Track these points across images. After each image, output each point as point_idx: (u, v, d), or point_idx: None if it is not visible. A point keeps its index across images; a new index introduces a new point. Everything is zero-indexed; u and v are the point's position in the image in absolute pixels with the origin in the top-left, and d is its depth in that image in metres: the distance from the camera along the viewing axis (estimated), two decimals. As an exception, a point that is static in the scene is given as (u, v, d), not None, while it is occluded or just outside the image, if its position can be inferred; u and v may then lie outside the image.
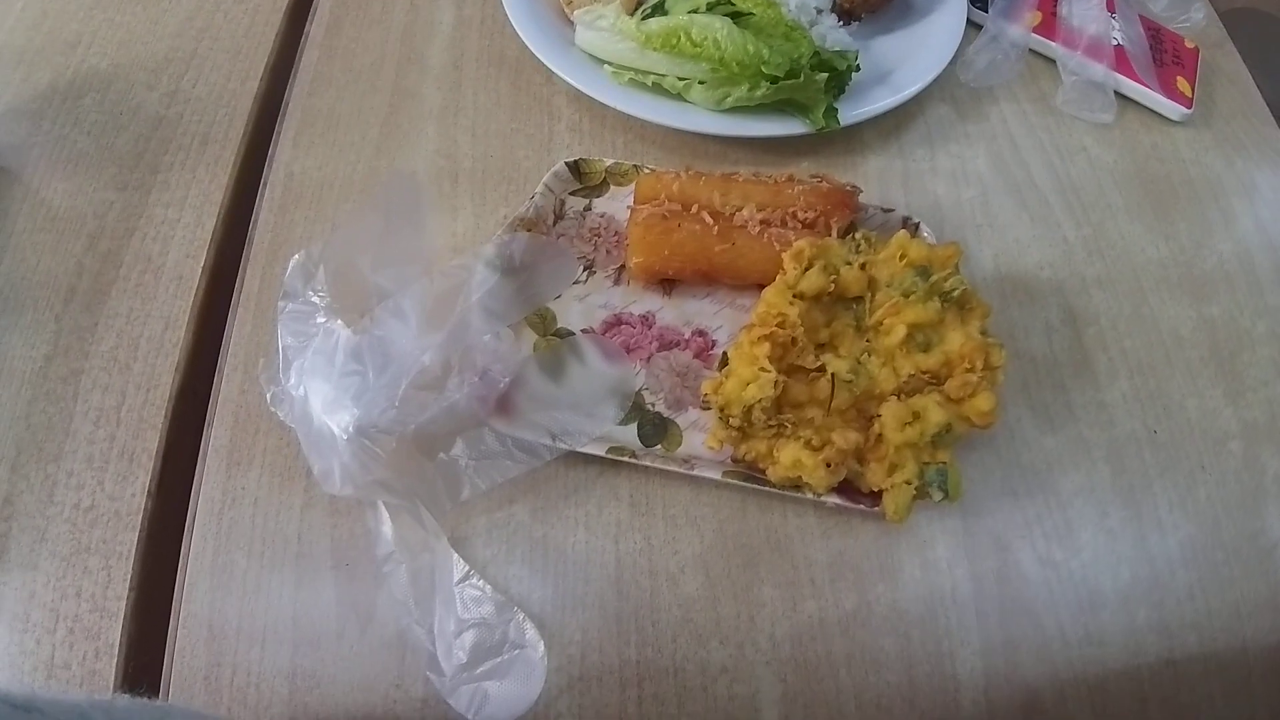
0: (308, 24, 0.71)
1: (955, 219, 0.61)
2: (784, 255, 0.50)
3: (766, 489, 0.49)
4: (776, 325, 0.48)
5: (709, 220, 0.52)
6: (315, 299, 0.50)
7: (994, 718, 0.47)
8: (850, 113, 0.59)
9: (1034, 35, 0.70)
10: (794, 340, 0.49)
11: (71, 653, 0.47)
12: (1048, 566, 0.50)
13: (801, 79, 0.55)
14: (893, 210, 0.57)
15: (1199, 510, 0.53)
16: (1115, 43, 0.69)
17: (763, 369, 0.47)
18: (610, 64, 0.61)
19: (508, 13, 0.65)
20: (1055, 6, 0.71)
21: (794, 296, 0.49)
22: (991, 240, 0.61)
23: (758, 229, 0.52)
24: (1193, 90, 0.67)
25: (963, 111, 0.67)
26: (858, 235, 0.51)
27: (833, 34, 0.65)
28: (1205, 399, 0.56)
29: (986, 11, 0.70)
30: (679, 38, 0.57)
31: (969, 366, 0.49)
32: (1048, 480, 0.53)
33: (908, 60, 0.64)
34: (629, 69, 0.60)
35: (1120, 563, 0.51)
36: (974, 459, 0.53)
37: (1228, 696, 0.49)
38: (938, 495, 0.48)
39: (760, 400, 0.47)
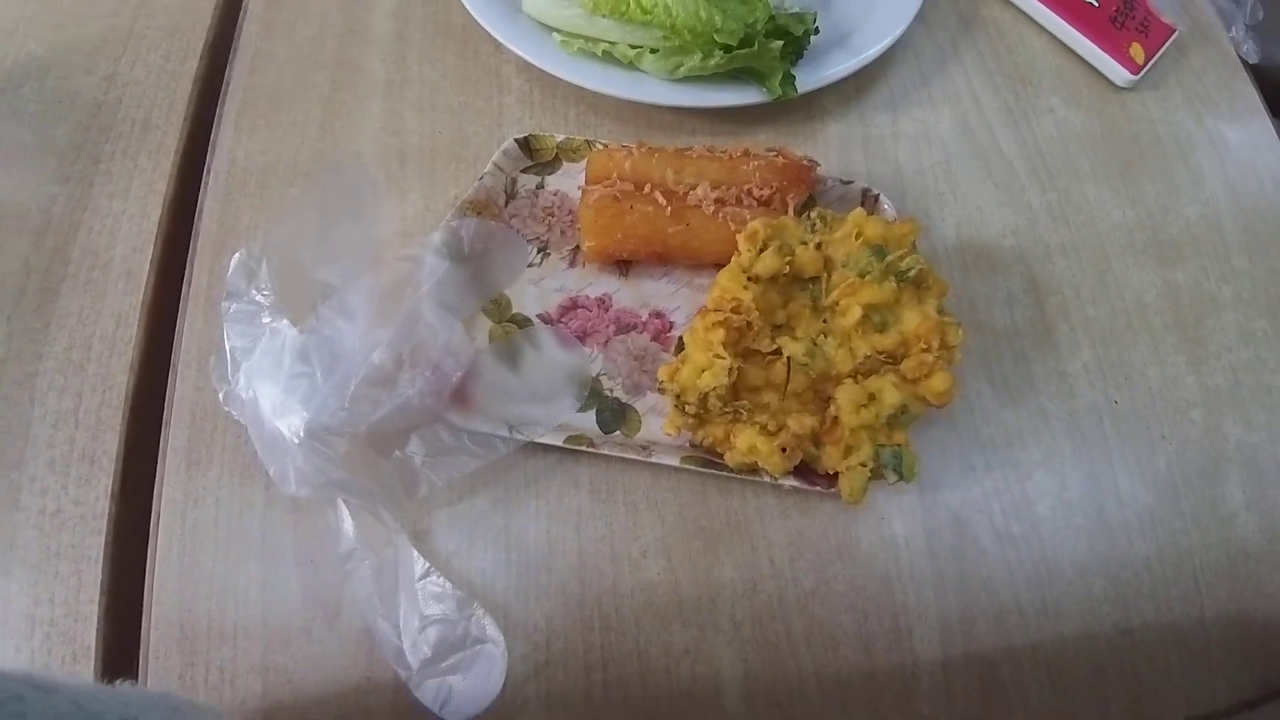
0: (244, -3, 0.68)
1: (917, 187, 0.60)
2: (739, 236, 0.49)
3: (724, 474, 0.49)
4: (731, 310, 0.48)
5: (661, 201, 0.51)
6: (260, 298, 0.49)
7: (951, 691, 0.48)
8: (808, 79, 0.58)
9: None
10: (749, 324, 0.48)
11: (50, 657, 0.47)
12: (1005, 541, 0.51)
13: (756, 47, 0.53)
14: (851, 182, 0.56)
15: (1158, 480, 0.53)
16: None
17: (718, 355, 0.47)
18: (559, 31, 0.59)
19: (453, -21, 0.62)
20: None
21: (749, 279, 0.48)
22: (954, 209, 0.60)
23: (712, 208, 0.51)
24: (1146, 58, 0.65)
25: (926, 73, 0.65)
26: (813, 214, 0.50)
27: (792, -5, 0.63)
28: (1167, 367, 0.57)
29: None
30: (628, 4, 0.55)
31: (925, 346, 0.49)
32: (1007, 454, 0.53)
33: (869, 18, 0.62)
34: (578, 37, 0.58)
35: (1078, 535, 0.52)
36: (932, 435, 0.53)
37: (1185, 664, 0.50)
38: (893, 477, 0.48)
39: (715, 388, 0.47)
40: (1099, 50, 0.66)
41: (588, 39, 0.57)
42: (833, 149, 0.61)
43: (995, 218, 0.60)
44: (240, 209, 0.59)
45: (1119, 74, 0.66)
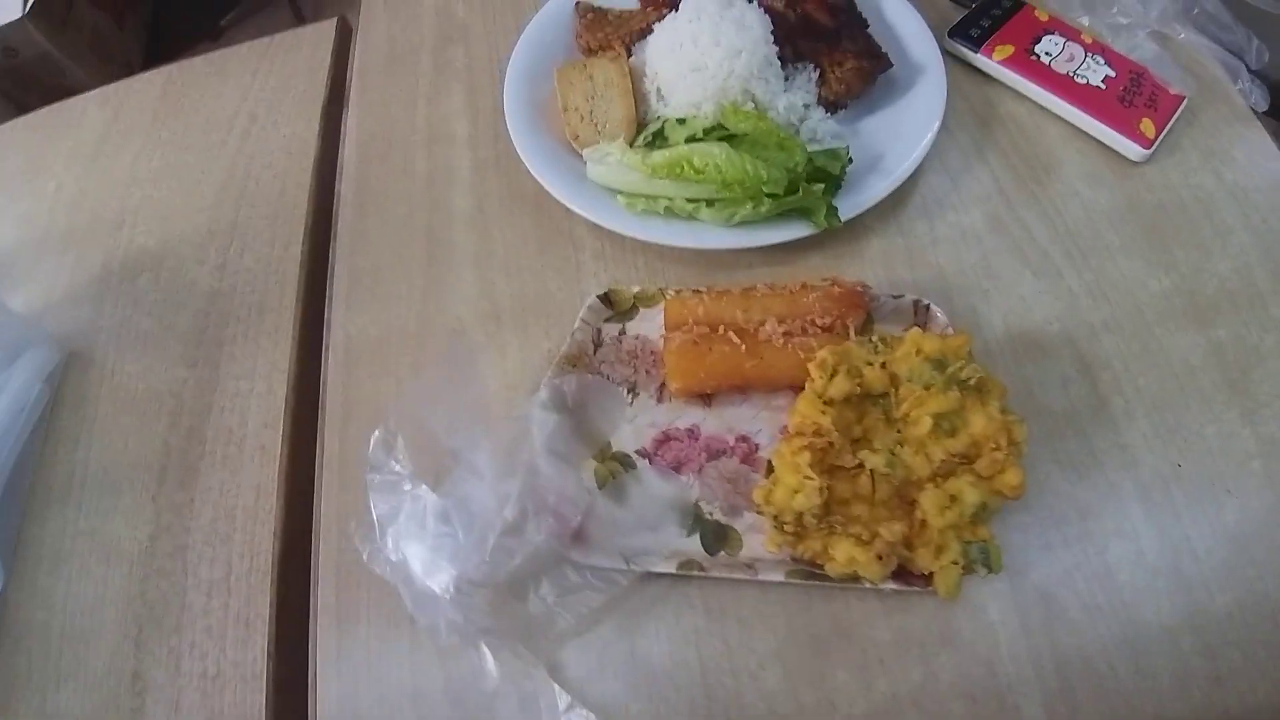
0: (337, 183, 0.77)
1: (961, 286, 0.65)
2: (809, 365, 0.55)
3: (828, 584, 0.54)
4: (813, 434, 0.53)
5: (736, 340, 0.57)
6: (398, 468, 0.55)
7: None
8: (849, 206, 0.64)
9: (1003, 68, 0.74)
10: (830, 444, 0.53)
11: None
12: (1092, 610, 0.53)
13: (800, 193, 0.60)
14: (902, 296, 0.61)
15: (1229, 533, 0.55)
16: (1084, 81, 0.72)
17: (807, 477, 0.52)
18: (622, 193, 0.66)
19: (521, 156, 0.70)
20: (1029, 43, 0.74)
21: (824, 403, 0.54)
22: (998, 302, 0.64)
23: (782, 341, 0.56)
24: (1157, 131, 0.69)
25: (954, 177, 0.70)
26: (874, 338, 0.55)
27: (822, 126, 0.69)
28: (1223, 423, 0.59)
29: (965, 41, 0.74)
30: (682, 166, 0.62)
31: (994, 446, 0.53)
32: (1082, 529, 0.56)
33: (897, 138, 0.68)
34: (639, 196, 0.65)
35: (1160, 595, 0.54)
36: (1012, 521, 0.56)
37: (1274, 703, 0.52)
38: (983, 571, 0.53)
39: (810, 508, 0.52)
40: (1111, 131, 0.70)
41: (649, 197, 0.64)
42: (878, 263, 0.66)
43: (1038, 305, 0.64)
44: (361, 379, 0.66)
45: (1133, 150, 0.70)
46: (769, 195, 0.60)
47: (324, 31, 0.89)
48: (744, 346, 0.57)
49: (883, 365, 0.55)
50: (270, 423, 0.66)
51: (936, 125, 0.68)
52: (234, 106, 0.85)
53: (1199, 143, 0.71)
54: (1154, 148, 0.70)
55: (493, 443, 0.55)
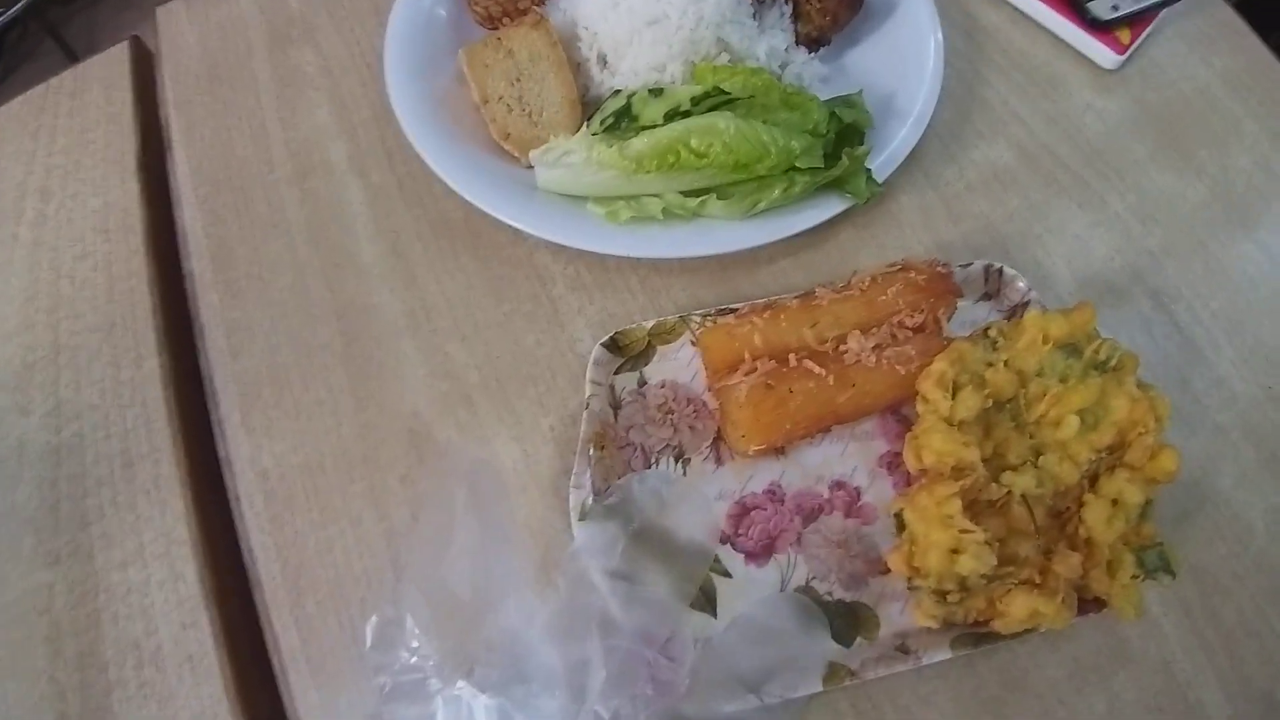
0: (185, 260, 0.55)
1: (1014, 236, 0.55)
2: (921, 382, 0.42)
3: (1001, 642, 0.42)
4: (953, 471, 0.40)
5: (819, 370, 0.42)
6: (415, 660, 0.38)
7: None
8: (879, 163, 0.50)
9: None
10: (975, 479, 0.41)
11: None
12: (1239, 574, 0.47)
13: (845, 162, 0.45)
14: (970, 264, 0.50)
15: None
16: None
17: (965, 531, 0.40)
18: (595, 201, 0.49)
19: (438, 172, 0.51)
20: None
21: (957, 428, 0.41)
22: (1056, 247, 0.55)
23: (873, 359, 0.43)
24: (1132, 39, 0.61)
25: (965, 109, 0.59)
26: (991, 330, 0.43)
27: (807, 69, 0.55)
28: None
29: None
30: (678, 153, 0.46)
31: (1142, 429, 0.43)
32: (1204, 485, 0.49)
33: (895, 70, 0.55)
34: (622, 199, 0.48)
35: None
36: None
37: None
38: (1165, 579, 0.43)
39: (981, 571, 0.39)
40: (1082, 33, 0.62)
41: (634, 200, 0.48)
42: (918, 225, 0.54)
43: (1096, 241, 0.55)
44: (300, 531, 0.47)
45: (1105, 56, 0.62)
46: (802, 171, 0.46)
47: (115, 60, 0.63)
48: (831, 377, 0.42)
49: (1006, 364, 0.43)
50: (189, 621, 0.46)
51: (937, 46, 0.56)
52: (16, 183, 0.59)
53: (1179, 30, 0.64)
54: (1127, 55, 0.61)
55: (549, 613, 0.38)
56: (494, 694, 0.36)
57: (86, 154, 0.59)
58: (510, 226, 0.50)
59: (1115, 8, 0.60)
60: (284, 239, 0.55)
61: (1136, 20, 0.61)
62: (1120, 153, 0.58)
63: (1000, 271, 0.50)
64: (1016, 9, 0.63)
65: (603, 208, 0.49)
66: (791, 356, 0.43)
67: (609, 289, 0.51)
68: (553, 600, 0.39)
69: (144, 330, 0.53)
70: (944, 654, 0.42)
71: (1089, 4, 0.61)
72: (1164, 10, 0.61)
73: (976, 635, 0.42)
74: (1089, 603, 0.43)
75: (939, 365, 0.41)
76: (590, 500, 0.42)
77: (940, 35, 0.56)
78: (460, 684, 0.37)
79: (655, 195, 0.48)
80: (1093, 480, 0.44)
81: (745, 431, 0.43)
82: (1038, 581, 0.41)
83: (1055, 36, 0.63)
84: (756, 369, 0.43)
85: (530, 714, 0.36)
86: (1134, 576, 0.42)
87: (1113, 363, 0.43)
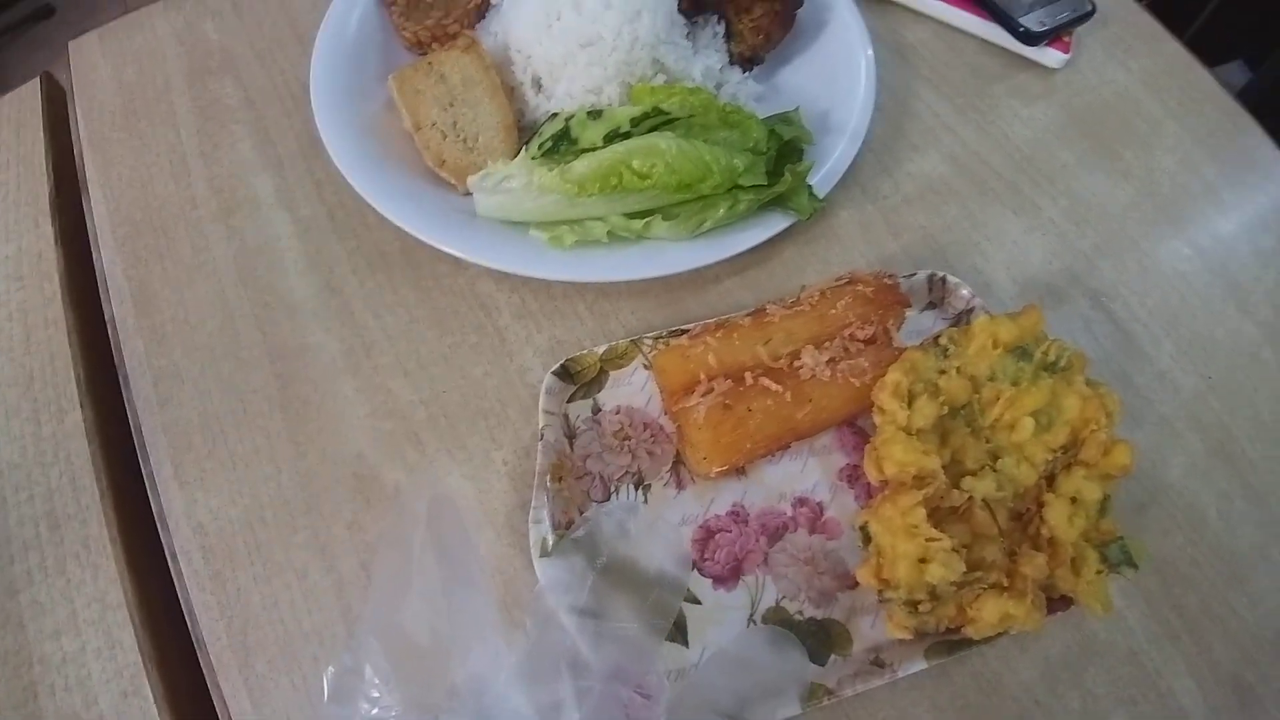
0: (106, 305, 0.51)
1: (954, 245, 0.55)
2: (876, 393, 0.41)
3: (975, 649, 0.41)
4: (916, 480, 0.40)
5: (775, 387, 0.41)
6: (376, 711, 0.35)
7: (1215, 709, 0.44)
8: (819, 179, 0.50)
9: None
10: (937, 487, 0.40)
11: None
12: (1197, 560, 0.47)
13: (787, 178, 0.45)
14: (914, 274, 0.49)
15: (1271, 427, 0.51)
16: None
17: (932, 539, 0.39)
18: (537, 226, 0.47)
19: (369, 200, 0.49)
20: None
21: (916, 437, 0.40)
22: (995, 254, 0.55)
23: (827, 373, 0.42)
24: (1070, 36, 0.62)
25: (896, 122, 0.59)
26: (942, 338, 0.42)
27: (742, 89, 0.55)
28: (1226, 320, 0.54)
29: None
30: (620, 175, 0.45)
31: (1094, 426, 0.43)
32: (1155, 477, 0.49)
33: (830, 91, 0.55)
34: (564, 223, 0.47)
35: (1241, 521, 0.48)
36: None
37: None
38: (1129, 572, 0.43)
39: (951, 578, 0.38)
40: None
41: (577, 224, 0.47)
42: (858, 238, 0.53)
43: (1032, 247, 0.56)
44: (243, 587, 0.44)
45: (1052, 57, 0.62)
46: (746, 189, 0.45)
47: (25, 99, 0.59)
48: (788, 393, 0.41)
49: (958, 370, 0.42)
50: (130, 689, 0.42)
51: (868, 63, 0.56)
52: None
53: (1098, 36, 0.65)
54: (1071, 51, 0.62)
55: (504, 638, 0.36)
56: (460, 750, 0.34)
57: (-6, 199, 0.55)
58: (450, 256, 0.48)
59: (1043, 23, 0.61)
60: (211, 280, 0.51)
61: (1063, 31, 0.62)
62: (1049, 158, 0.59)
63: (944, 280, 0.49)
64: (943, 23, 0.64)
65: (545, 233, 0.47)
66: (747, 375, 0.42)
67: (556, 315, 0.49)
68: (520, 643, 0.36)
69: (64, 382, 0.49)
70: (919, 664, 0.41)
71: (1021, 19, 0.61)
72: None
73: (950, 643, 0.41)
74: (1057, 601, 0.43)
75: (893, 375, 0.41)
76: (551, 536, 0.40)
77: (871, 51, 0.56)
78: (427, 739, 0.34)
79: (599, 218, 0.47)
80: (1050, 480, 0.43)
81: (706, 454, 0.41)
82: (1006, 584, 0.41)
83: (985, 49, 0.63)
84: (713, 389, 0.42)
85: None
86: (1099, 572, 0.42)
87: (1062, 363, 0.43)
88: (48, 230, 0.54)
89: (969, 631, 0.41)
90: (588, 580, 0.38)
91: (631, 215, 0.47)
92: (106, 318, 0.51)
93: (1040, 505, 0.43)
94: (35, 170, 0.56)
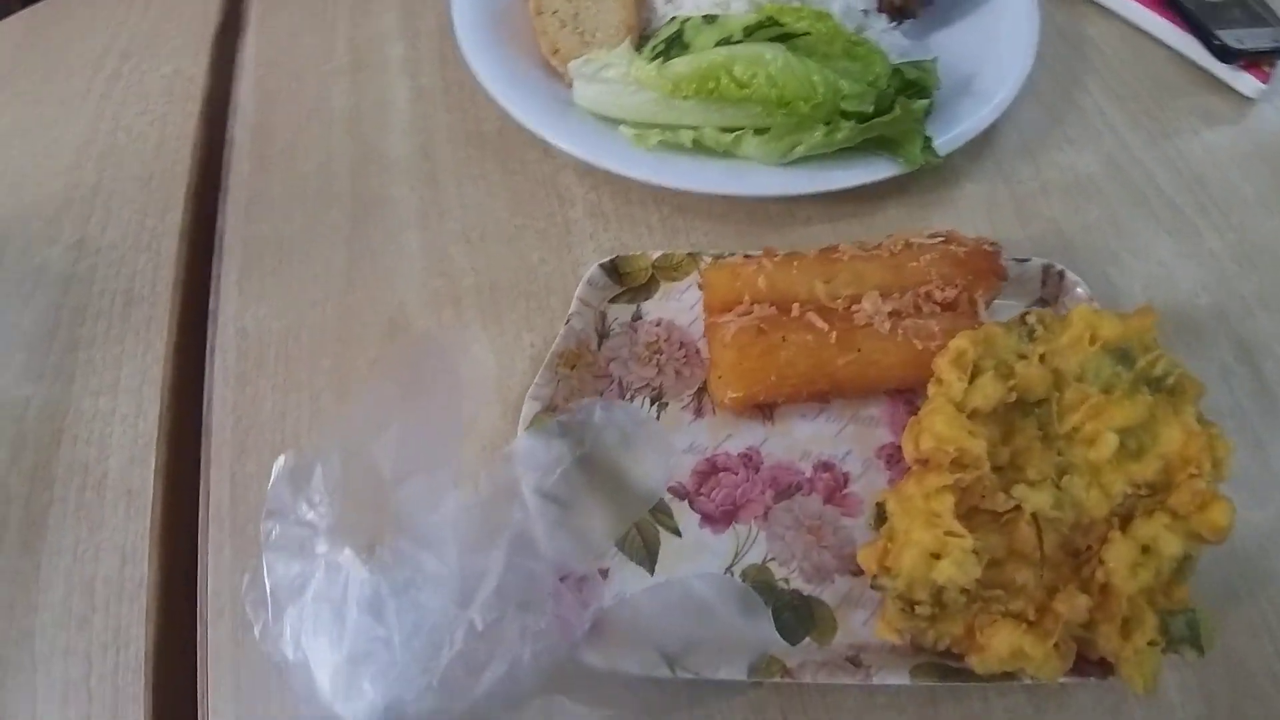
0: (230, 128, 0.52)
1: (1087, 247, 0.46)
2: (937, 360, 0.33)
3: (972, 683, 0.33)
4: (953, 463, 0.32)
5: (821, 324, 0.35)
6: (311, 515, 0.32)
7: None
8: (944, 138, 0.43)
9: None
10: (978, 479, 0.32)
11: None
12: (1277, 681, 0.36)
13: (897, 111, 0.38)
14: (1028, 259, 0.41)
15: None
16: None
17: (951, 533, 0.31)
18: (628, 123, 0.43)
19: (477, 75, 0.46)
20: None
21: (969, 417, 0.33)
22: (1135, 268, 0.46)
23: (887, 325, 0.35)
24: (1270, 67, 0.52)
25: (1054, 109, 0.51)
26: (1030, 317, 0.34)
27: (886, 38, 0.49)
28: None
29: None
30: (718, 79, 0.40)
31: (1194, 471, 0.33)
32: (1259, 566, 0.39)
33: (982, 58, 0.48)
34: (654, 126, 0.43)
35: None
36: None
37: None
38: (1191, 654, 0.33)
39: (962, 582, 0.30)
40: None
41: (667, 127, 0.42)
42: (978, 214, 0.46)
43: (1181, 274, 0.46)
44: (260, 393, 0.43)
45: (1249, 85, 0.52)
46: (849, 116, 0.38)
47: None
48: (834, 334, 0.35)
49: (1041, 358, 0.34)
50: (139, 457, 0.42)
51: (1034, 39, 0.48)
52: (102, 45, 0.60)
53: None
54: (1270, 83, 0.51)
55: (464, 505, 0.32)
56: (375, 571, 0.30)
57: (170, 26, 0.60)
58: (539, 140, 0.46)
59: (1241, 41, 0.51)
60: (323, 125, 0.52)
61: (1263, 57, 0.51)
62: (1225, 187, 0.49)
63: (1061, 274, 0.41)
64: (1131, 25, 0.54)
65: (633, 132, 0.43)
66: (796, 306, 0.36)
67: (627, 221, 0.46)
68: (469, 498, 0.32)
69: (176, 186, 0.51)
70: (899, 677, 0.33)
71: (1218, 31, 0.51)
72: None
73: (945, 668, 0.33)
74: (1091, 664, 0.34)
75: (960, 342, 0.33)
76: (541, 412, 0.36)
77: (1037, 26, 0.48)
78: (347, 553, 0.31)
79: (693, 126, 0.43)
80: (1124, 522, 0.34)
81: (723, 373, 0.36)
82: (1031, 619, 0.32)
83: (1173, 60, 0.53)
84: (754, 312, 0.36)
85: (404, 604, 0.30)
86: (1153, 642, 0.33)
87: (1170, 381, 0.34)
88: (204, 60, 0.57)
89: (972, 662, 0.33)
90: (562, 464, 0.34)
91: (726, 129, 0.42)
92: (226, 139, 0.52)
93: (1103, 543, 0.34)
94: (208, 7, 0.60)
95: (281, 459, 0.34)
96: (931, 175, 0.46)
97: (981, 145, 0.47)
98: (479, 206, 0.47)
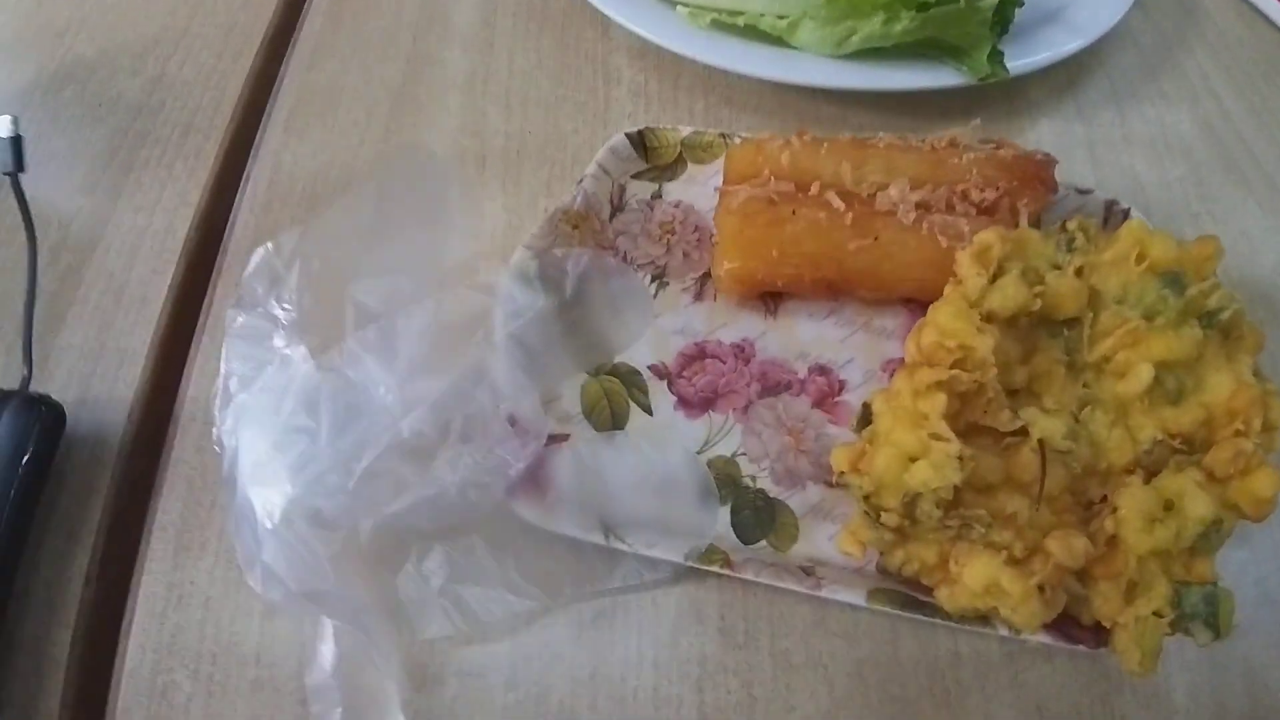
0: (313, -14, 0.53)
1: (1164, 205, 0.41)
2: (957, 254, 0.29)
3: (935, 620, 0.28)
4: (955, 365, 0.28)
5: (838, 204, 0.31)
6: (278, 311, 0.31)
7: None
8: (1019, 59, 0.38)
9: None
10: (981, 388, 0.28)
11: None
12: None
13: (961, 4, 0.34)
14: (1091, 191, 0.36)
15: None
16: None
17: (937, 436, 0.27)
18: (684, 3, 0.40)
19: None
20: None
21: (981, 318, 0.28)
22: (1214, 233, 0.39)
23: (912, 216, 0.31)
24: None
25: (1152, 64, 0.45)
26: (1071, 224, 0.30)
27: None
28: None
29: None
30: (781, -43, 0.37)
31: (1241, 428, 0.28)
32: None
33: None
34: (709, 9, 0.39)
35: None
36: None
37: None
38: (1203, 636, 0.28)
39: (937, 490, 0.26)
40: None
41: (722, 11, 0.39)
42: (1048, 149, 0.40)
43: (1267, 248, 0.40)
44: (280, 220, 0.43)
45: None
46: (911, 5, 0.34)
47: None
48: (849, 215, 0.31)
49: (1078, 272, 0.29)
50: (159, 269, 0.43)
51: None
52: None
53: None
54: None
55: (427, 314, 0.30)
56: (321, 369, 0.29)
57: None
58: (598, 23, 0.44)
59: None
60: None
61: None
62: (1330, 178, 0.42)
63: (1126, 214, 0.36)
64: (1249, 3, 0.48)
65: (688, 10, 0.40)
66: (817, 185, 0.33)
67: (669, 105, 0.43)
68: (434, 317, 0.30)
69: (253, 35, 0.52)
70: (854, 596, 0.29)
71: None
72: None
73: (906, 596, 0.29)
74: (1082, 630, 0.29)
75: (987, 235, 0.29)
76: (530, 258, 0.34)
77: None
78: (301, 349, 0.30)
79: (748, 11, 0.39)
80: (1149, 477, 0.29)
81: (723, 242, 0.32)
82: (1019, 556, 0.28)
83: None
84: (770, 184, 0.32)
85: (339, 403, 0.28)
86: (1159, 613, 0.28)
87: (1224, 316, 0.28)
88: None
89: (940, 597, 0.28)
90: (535, 308, 0.31)
91: (780, 16, 0.38)
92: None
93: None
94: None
95: (260, 250, 0.33)
96: (1002, 102, 0.41)
97: (1063, 82, 0.42)
98: (525, 74, 0.46)
